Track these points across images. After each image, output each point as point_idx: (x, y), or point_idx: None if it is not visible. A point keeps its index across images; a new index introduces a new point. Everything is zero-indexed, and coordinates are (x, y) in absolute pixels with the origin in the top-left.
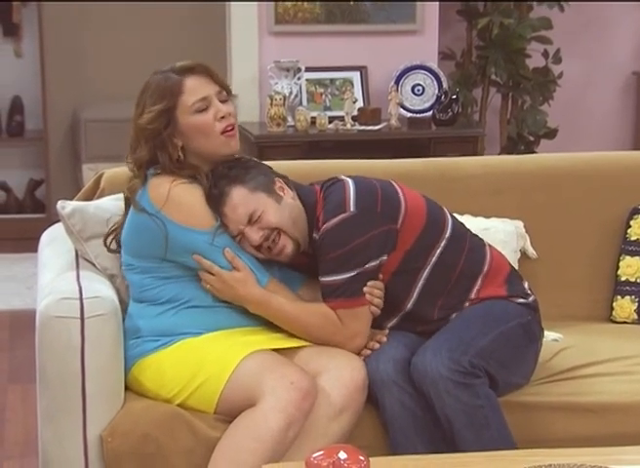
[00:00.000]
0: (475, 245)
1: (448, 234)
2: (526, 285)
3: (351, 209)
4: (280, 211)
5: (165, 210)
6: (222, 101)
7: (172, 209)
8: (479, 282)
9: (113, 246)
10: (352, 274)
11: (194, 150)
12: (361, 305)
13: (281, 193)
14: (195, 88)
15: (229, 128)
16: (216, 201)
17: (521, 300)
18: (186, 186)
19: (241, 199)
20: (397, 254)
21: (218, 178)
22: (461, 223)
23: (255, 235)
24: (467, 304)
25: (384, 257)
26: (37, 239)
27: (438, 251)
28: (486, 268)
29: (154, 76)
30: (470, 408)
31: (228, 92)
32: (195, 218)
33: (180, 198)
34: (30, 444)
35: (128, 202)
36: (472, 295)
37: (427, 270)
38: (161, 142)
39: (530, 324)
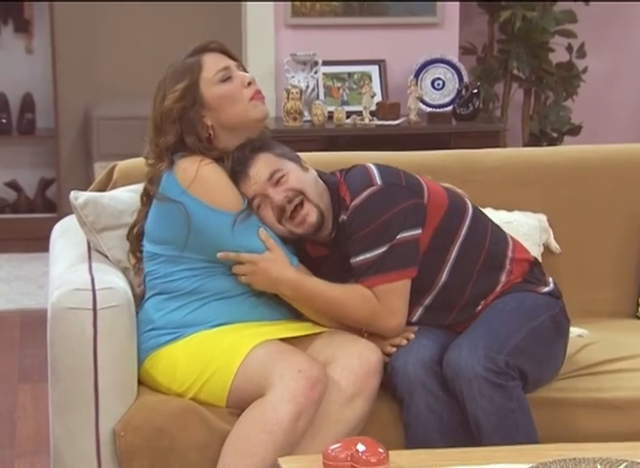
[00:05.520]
0: (496, 227)
1: (470, 212)
2: (544, 271)
3: (378, 183)
4: (305, 177)
5: (192, 189)
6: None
7: (199, 188)
8: (507, 263)
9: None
10: (384, 249)
11: (225, 122)
12: (397, 280)
13: (307, 168)
14: (214, 61)
15: (258, 93)
16: (241, 163)
17: (546, 289)
18: (215, 166)
19: (266, 161)
20: (427, 232)
21: (244, 145)
22: (477, 207)
23: (278, 195)
24: (498, 289)
25: (418, 231)
26: (48, 239)
27: (464, 228)
28: (511, 248)
29: (168, 68)
30: (502, 410)
31: (245, 69)
32: (223, 199)
33: (207, 177)
34: (41, 442)
35: (147, 195)
36: (501, 281)
37: (456, 248)
38: (188, 123)
39: (559, 316)
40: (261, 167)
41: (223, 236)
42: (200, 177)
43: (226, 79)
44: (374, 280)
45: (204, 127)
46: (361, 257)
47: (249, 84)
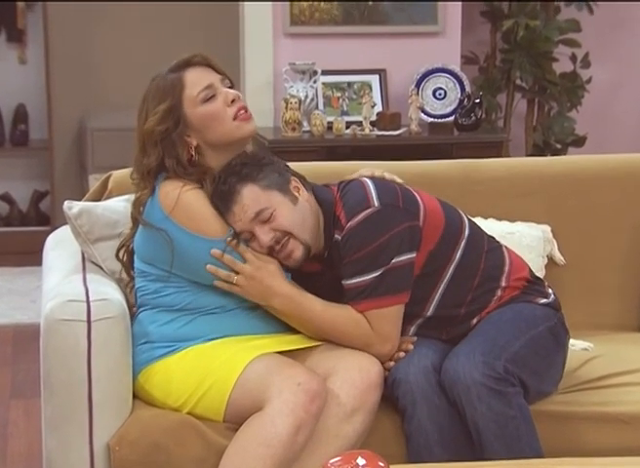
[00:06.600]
0: (493, 245)
1: (467, 233)
2: (546, 284)
3: (375, 204)
4: (294, 212)
5: (174, 215)
6: (228, 88)
7: (181, 214)
8: (503, 282)
9: (125, 259)
10: (378, 273)
11: (211, 142)
12: (390, 305)
13: (296, 193)
14: (196, 79)
15: (242, 111)
16: (224, 198)
17: (544, 300)
18: (198, 192)
19: (253, 197)
20: (421, 255)
21: (228, 175)
22: (476, 223)
23: (265, 236)
24: (493, 304)
25: (413, 254)
26: (41, 252)
27: (459, 251)
28: (507, 268)
29: (152, 82)
30: (502, 417)
31: (231, 81)
32: (206, 226)
33: (190, 204)
34: (34, 458)
35: (135, 219)
36: (497, 296)
37: (449, 272)
38: (170, 145)
39: (557, 327)
40: (247, 204)
41: (208, 263)
42: (183, 203)
43: (210, 98)
44: (366, 304)
45: (185, 148)
46: (354, 280)
47: (233, 101)
